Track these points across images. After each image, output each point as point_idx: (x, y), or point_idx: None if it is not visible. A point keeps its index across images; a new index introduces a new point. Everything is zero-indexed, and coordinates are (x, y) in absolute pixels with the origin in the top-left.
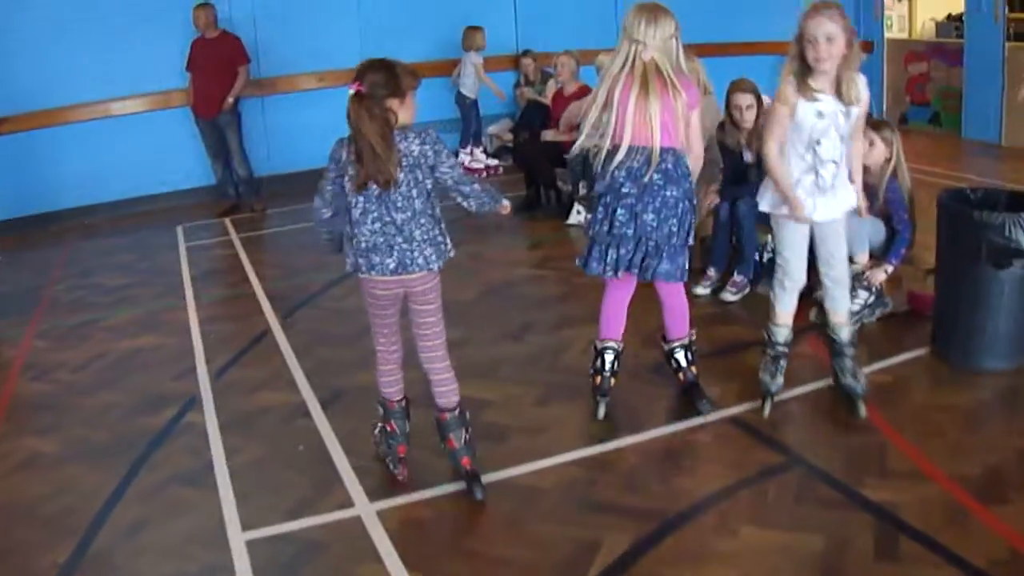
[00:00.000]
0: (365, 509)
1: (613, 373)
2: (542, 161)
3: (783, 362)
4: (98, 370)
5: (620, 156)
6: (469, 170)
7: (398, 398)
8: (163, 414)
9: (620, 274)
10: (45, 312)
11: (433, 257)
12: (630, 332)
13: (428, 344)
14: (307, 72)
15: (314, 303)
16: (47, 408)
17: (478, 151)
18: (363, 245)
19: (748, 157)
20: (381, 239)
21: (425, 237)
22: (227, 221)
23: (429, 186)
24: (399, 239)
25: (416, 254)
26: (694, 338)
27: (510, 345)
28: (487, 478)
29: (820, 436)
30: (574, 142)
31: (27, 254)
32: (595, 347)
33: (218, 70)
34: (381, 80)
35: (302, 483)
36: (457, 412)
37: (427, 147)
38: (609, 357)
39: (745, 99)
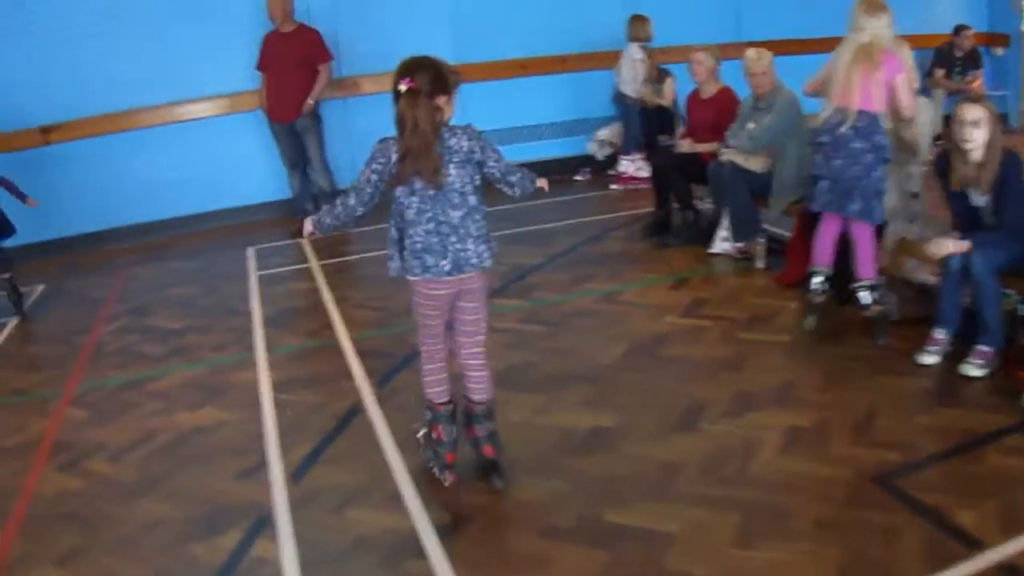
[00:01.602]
0: None
1: (823, 292)
2: (677, 176)
3: None
4: (143, 459)
5: (827, 113)
6: (634, 179)
7: (444, 400)
8: (223, 540)
9: (818, 207)
10: (87, 364)
11: (487, 255)
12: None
13: (471, 340)
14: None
15: (418, 364)
16: (73, 520)
17: (640, 158)
18: (418, 246)
19: (976, 199)
20: (435, 239)
21: (479, 234)
22: (305, 242)
23: (478, 182)
24: (453, 238)
25: (470, 253)
26: (883, 282)
27: (680, 439)
28: None
29: None
30: (714, 154)
31: (75, 282)
32: (809, 271)
33: (296, 68)
34: (430, 77)
35: None
36: (487, 407)
37: (474, 142)
38: (817, 279)
39: (971, 112)
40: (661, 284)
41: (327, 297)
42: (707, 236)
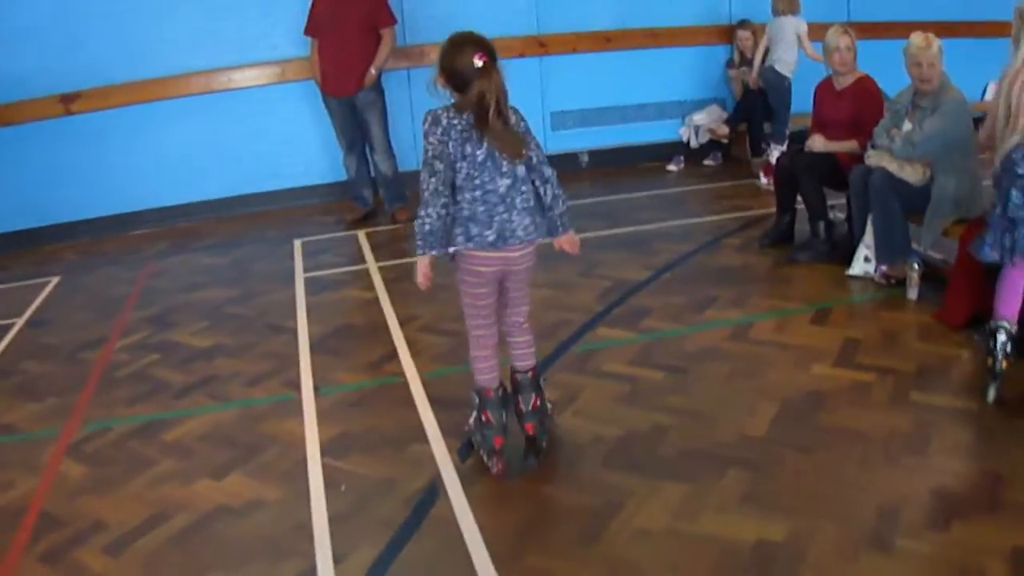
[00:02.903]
0: None
1: (1005, 356)
2: (809, 179)
3: None
4: (149, 555)
5: (1017, 138)
6: None
7: (495, 385)
8: None
9: (1015, 260)
10: (95, 394)
11: (532, 228)
12: None
13: (517, 311)
14: None
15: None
16: None
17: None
18: (464, 213)
19: None
20: (481, 208)
21: (525, 206)
22: (361, 236)
23: (530, 158)
24: (500, 208)
25: (516, 225)
26: None
27: (874, 564)
28: None
29: None
30: (854, 156)
31: (94, 275)
32: (987, 327)
33: (355, 33)
34: (491, 51)
35: None
36: (531, 375)
37: (518, 117)
38: (1001, 338)
39: None
40: (798, 315)
41: (389, 314)
42: (840, 253)
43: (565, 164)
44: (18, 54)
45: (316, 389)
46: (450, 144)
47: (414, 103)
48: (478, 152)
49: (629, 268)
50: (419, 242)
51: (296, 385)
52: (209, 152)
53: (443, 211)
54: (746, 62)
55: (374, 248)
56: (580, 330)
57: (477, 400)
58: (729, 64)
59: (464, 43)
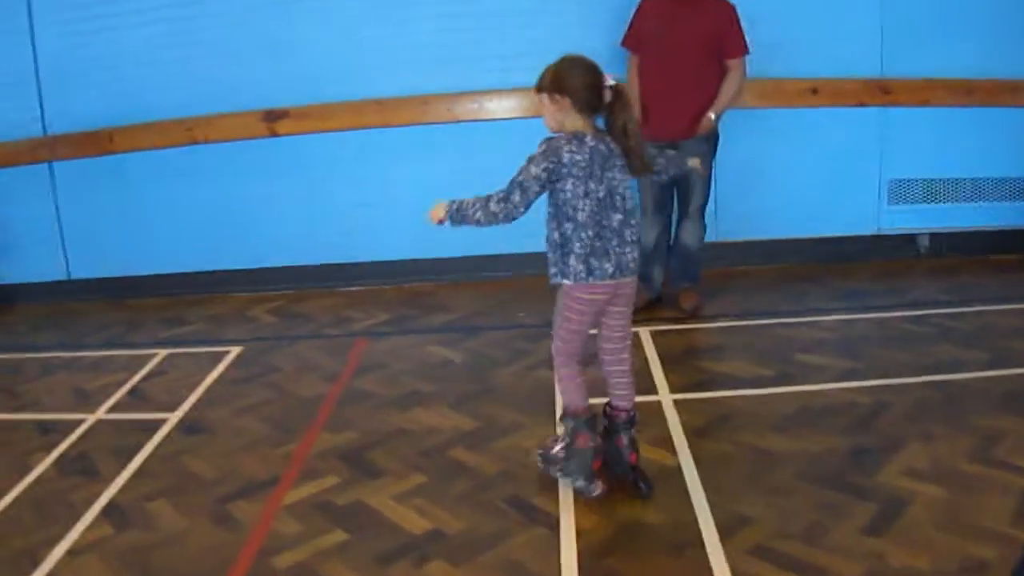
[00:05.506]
0: None
1: None
2: None
3: None
4: None
5: None
6: None
7: (587, 406)
8: None
9: None
10: None
11: (640, 259)
12: None
13: (618, 346)
14: (796, 77)
15: None
16: None
17: None
18: (586, 250)
19: None
20: (599, 243)
21: (633, 239)
22: (644, 335)
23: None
24: (615, 242)
25: (628, 258)
26: None
27: None
28: None
29: None
30: None
31: (283, 354)
32: None
33: (693, 59)
34: None
35: None
36: (631, 414)
37: None
38: None
39: None
40: None
41: (701, 508)
42: None
43: (899, 250)
44: (219, 59)
45: None
46: (569, 182)
47: (721, 154)
48: (599, 188)
49: None
50: (466, 212)
51: None
52: (448, 197)
53: (507, 212)
54: None
55: (664, 360)
56: None
57: (571, 424)
58: None
59: (590, 65)
